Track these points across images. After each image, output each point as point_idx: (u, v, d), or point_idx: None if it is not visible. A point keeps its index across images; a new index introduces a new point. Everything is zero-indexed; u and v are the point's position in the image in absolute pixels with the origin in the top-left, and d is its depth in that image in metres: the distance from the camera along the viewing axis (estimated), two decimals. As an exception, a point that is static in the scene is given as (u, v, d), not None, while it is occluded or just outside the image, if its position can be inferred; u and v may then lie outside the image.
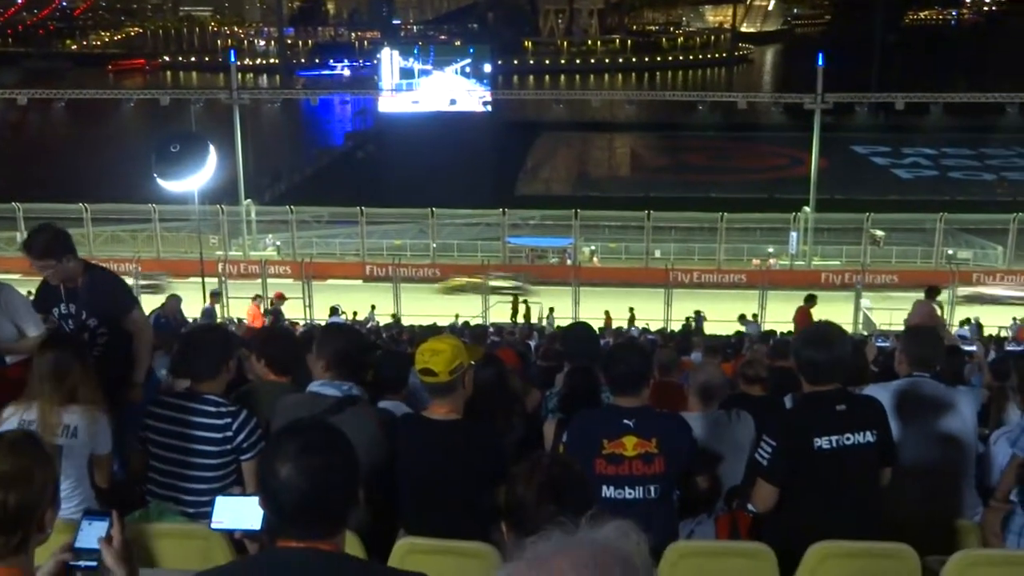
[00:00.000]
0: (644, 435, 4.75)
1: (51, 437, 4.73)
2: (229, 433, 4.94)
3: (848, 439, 4.63)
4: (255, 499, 3.07)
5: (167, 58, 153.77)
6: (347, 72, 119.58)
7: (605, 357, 5.37)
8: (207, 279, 28.33)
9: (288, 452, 2.65)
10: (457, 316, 33.40)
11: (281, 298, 25.01)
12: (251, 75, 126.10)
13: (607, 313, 33.01)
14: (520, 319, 34.85)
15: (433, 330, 21.45)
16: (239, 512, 3.38)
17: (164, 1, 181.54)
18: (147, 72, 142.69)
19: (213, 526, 3.49)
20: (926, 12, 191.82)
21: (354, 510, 2.83)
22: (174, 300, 17.95)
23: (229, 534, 3.85)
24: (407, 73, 65.00)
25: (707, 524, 5.28)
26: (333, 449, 2.72)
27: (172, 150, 23.24)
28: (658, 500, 4.75)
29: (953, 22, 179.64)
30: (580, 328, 8.66)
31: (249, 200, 48.86)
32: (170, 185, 24.71)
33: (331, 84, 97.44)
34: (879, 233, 45.70)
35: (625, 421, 4.79)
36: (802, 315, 20.20)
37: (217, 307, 24.93)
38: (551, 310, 35.62)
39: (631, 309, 32.96)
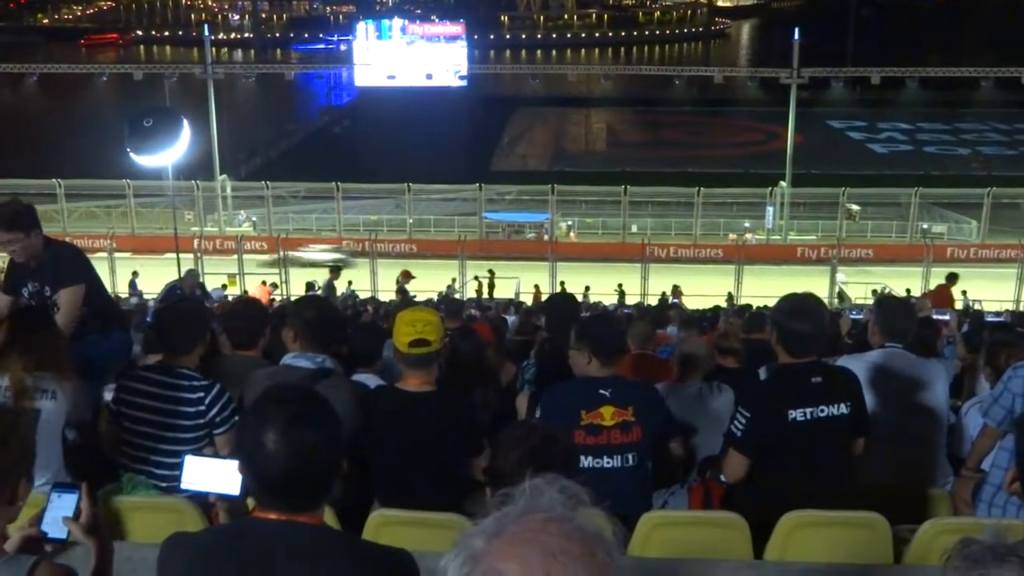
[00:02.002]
0: (621, 404, 4.78)
1: (27, 401, 4.71)
2: (202, 407, 4.90)
3: (822, 411, 4.66)
4: (232, 463, 3.01)
5: (140, 32, 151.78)
6: (343, 48, 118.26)
7: (579, 328, 5.37)
8: (182, 255, 28.11)
9: (276, 423, 2.55)
10: (454, 280, 33.44)
11: (408, 276, 24.16)
12: (225, 49, 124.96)
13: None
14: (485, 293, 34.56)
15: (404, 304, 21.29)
16: (213, 475, 3.29)
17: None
18: (120, 46, 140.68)
19: (184, 486, 3.42)
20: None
21: (336, 482, 2.75)
22: (191, 275, 17.32)
23: (203, 501, 3.80)
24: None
25: (680, 494, 5.31)
26: (321, 421, 2.63)
27: (145, 124, 22.88)
28: (635, 467, 4.80)
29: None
30: (561, 299, 8.63)
31: (224, 175, 48.54)
32: (143, 160, 24.38)
33: (326, 58, 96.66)
34: (855, 208, 45.98)
35: (601, 391, 4.82)
36: (944, 293, 19.59)
37: (335, 282, 24.36)
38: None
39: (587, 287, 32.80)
